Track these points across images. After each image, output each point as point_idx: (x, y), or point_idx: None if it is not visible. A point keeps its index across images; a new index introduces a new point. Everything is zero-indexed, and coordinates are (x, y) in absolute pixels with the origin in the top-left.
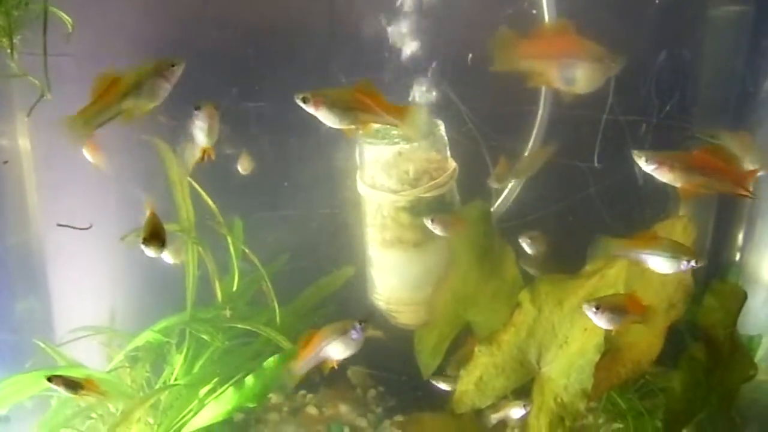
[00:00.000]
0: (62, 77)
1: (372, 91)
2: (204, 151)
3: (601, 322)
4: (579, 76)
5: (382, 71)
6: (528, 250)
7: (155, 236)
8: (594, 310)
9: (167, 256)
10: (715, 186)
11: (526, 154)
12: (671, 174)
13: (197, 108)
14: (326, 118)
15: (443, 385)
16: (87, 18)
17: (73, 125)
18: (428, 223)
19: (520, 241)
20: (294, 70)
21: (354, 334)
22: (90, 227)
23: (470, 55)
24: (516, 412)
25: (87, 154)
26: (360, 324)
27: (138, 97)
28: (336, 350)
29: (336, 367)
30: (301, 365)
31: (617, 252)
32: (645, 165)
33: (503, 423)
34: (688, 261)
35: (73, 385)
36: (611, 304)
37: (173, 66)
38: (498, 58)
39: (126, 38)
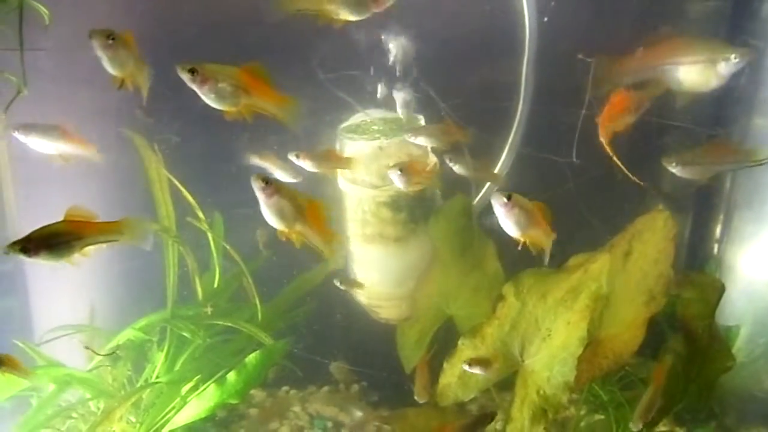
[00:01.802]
0: (39, 72)
1: (261, 74)
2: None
3: (508, 218)
4: (690, 76)
5: (361, 67)
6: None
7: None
8: (505, 200)
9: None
10: None
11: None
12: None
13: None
14: (208, 96)
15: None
16: (63, 13)
17: None
18: (395, 175)
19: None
20: (274, 65)
21: None
22: None
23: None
24: None
25: (78, 148)
26: None
27: (343, 4)
28: None
29: None
30: None
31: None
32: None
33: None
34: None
35: None
36: (523, 202)
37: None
38: (602, 81)
39: None
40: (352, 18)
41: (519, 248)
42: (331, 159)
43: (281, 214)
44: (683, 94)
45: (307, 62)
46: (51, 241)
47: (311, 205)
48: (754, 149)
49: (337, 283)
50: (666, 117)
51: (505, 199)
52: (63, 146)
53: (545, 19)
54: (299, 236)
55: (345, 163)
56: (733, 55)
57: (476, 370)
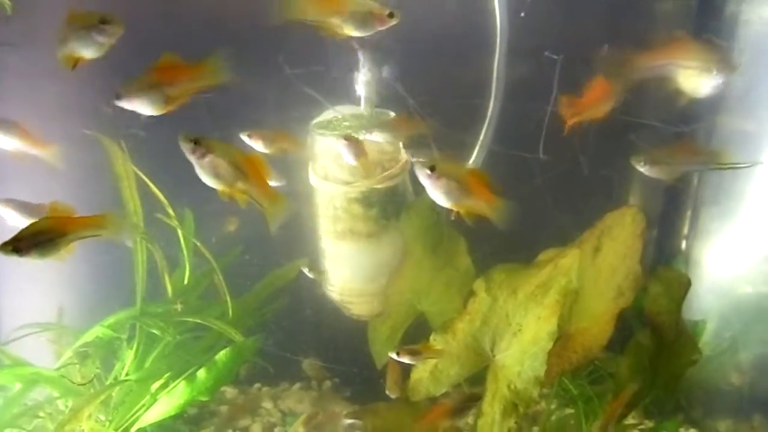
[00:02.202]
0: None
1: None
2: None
3: (435, 190)
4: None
5: (329, 63)
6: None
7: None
8: (428, 172)
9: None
10: None
11: None
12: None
13: None
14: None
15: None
16: (30, 6)
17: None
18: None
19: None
20: (241, 61)
21: None
22: None
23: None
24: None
25: (35, 149)
26: None
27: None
28: None
29: None
30: None
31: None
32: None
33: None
34: None
35: None
36: (450, 171)
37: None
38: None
39: None
40: (356, 34)
41: (452, 218)
42: (283, 141)
43: (218, 174)
44: (684, 95)
45: (274, 58)
46: (39, 238)
47: (249, 160)
48: (719, 151)
49: (305, 270)
50: (631, 114)
51: (428, 171)
52: (18, 144)
53: (522, 14)
54: (242, 195)
55: (296, 146)
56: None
57: (405, 360)
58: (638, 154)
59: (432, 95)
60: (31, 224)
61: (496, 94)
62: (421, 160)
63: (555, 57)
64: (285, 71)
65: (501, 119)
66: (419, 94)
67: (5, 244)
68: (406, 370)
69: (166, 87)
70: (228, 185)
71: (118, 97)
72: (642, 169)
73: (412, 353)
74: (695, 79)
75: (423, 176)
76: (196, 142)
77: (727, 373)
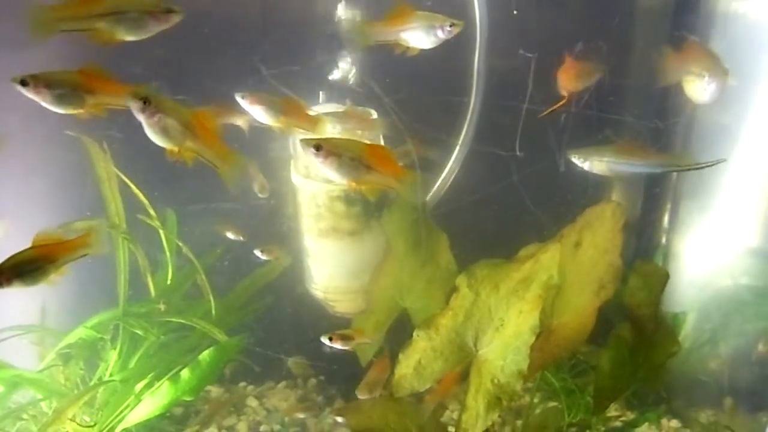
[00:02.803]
0: None
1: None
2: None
3: (325, 168)
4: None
5: (306, 62)
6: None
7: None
8: (314, 150)
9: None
10: None
11: None
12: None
13: None
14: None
15: None
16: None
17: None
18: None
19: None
20: (217, 60)
21: None
22: None
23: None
24: None
25: None
26: None
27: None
28: None
29: None
30: None
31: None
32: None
33: (442, 405)
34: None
35: None
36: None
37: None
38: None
39: None
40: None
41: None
42: (296, 113)
43: (167, 133)
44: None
45: (250, 58)
46: (21, 269)
47: (198, 117)
48: (671, 155)
49: (258, 253)
50: (609, 110)
51: (313, 149)
52: None
53: (515, 11)
54: (190, 153)
55: (309, 122)
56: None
57: (337, 345)
58: (576, 149)
59: (408, 92)
60: (13, 255)
61: (477, 91)
62: (306, 138)
63: (530, 55)
64: (261, 72)
65: (480, 116)
66: (396, 92)
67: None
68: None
69: (83, 92)
70: (177, 144)
71: (24, 84)
72: (577, 162)
73: (344, 338)
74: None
75: (311, 156)
76: (146, 101)
77: (708, 364)
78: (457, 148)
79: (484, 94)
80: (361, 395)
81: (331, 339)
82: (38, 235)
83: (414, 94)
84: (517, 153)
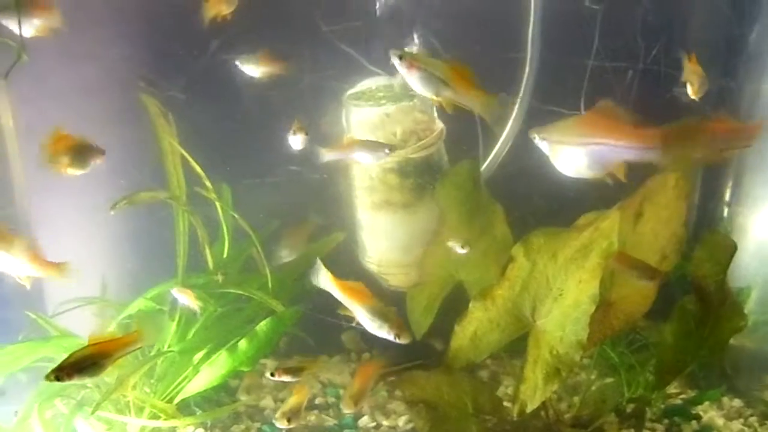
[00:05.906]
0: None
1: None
2: None
3: (409, 78)
4: None
5: (364, 18)
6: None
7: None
8: (398, 59)
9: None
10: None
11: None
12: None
13: None
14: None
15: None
16: None
17: None
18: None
19: None
20: (276, 21)
21: None
22: None
23: None
24: None
25: None
26: None
27: None
28: None
29: None
30: None
31: None
32: None
33: (496, 379)
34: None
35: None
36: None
37: None
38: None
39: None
40: None
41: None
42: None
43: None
44: None
45: (310, 15)
46: (81, 365)
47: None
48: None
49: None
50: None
51: (398, 59)
52: None
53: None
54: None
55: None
56: None
57: (285, 378)
58: (535, 129)
59: (466, 51)
60: (73, 353)
61: (533, 47)
62: (394, 50)
63: (595, 7)
64: (321, 28)
65: (540, 74)
66: (454, 50)
67: (49, 373)
68: (446, 338)
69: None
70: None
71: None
72: (537, 143)
73: (292, 372)
74: None
75: (396, 65)
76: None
77: None
78: (516, 104)
79: (544, 49)
80: (347, 408)
81: (273, 375)
82: (91, 337)
83: (471, 49)
84: (582, 112)
